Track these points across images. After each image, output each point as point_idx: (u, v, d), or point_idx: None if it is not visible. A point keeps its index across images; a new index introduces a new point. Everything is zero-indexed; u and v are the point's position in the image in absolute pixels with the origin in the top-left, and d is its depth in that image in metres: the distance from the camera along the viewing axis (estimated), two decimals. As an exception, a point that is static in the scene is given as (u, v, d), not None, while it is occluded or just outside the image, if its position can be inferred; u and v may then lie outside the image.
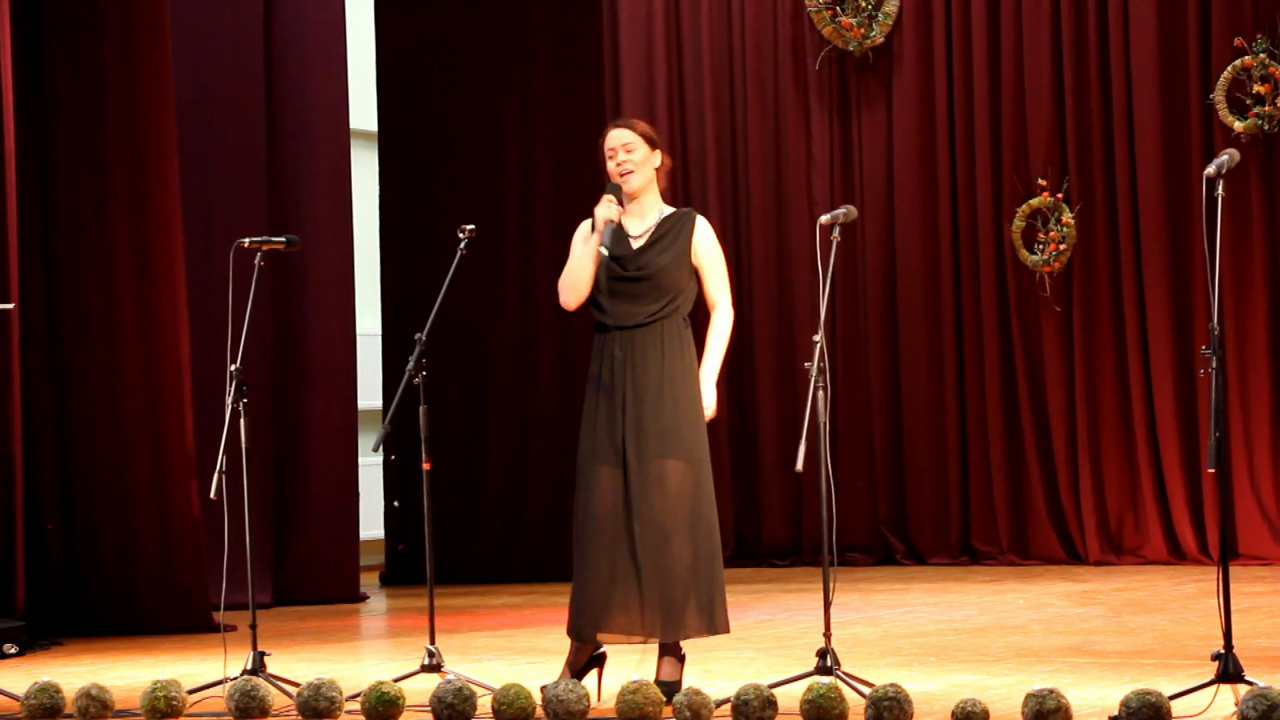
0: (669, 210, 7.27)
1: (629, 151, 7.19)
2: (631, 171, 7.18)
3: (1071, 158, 12.84)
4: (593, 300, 7.19)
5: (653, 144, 7.23)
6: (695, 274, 7.21)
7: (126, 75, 10.45)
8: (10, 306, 9.87)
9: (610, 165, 7.21)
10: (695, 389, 7.14)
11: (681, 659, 7.19)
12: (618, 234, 7.16)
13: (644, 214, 7.25)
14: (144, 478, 10.43)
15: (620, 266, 7.15)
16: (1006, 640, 8.98)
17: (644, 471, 7.04)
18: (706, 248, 7.21)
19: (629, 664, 7.74)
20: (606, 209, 7.14)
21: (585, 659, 7.21)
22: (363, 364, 12.46)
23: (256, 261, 7.82)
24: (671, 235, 7.18)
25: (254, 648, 7.57)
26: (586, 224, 7.21)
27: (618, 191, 7.18)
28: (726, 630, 7.18)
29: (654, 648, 7.22)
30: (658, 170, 7.25)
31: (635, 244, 7.19)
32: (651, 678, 6.99)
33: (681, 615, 7.04)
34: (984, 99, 13.05)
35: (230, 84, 11.63)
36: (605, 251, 7.11)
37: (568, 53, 12.86)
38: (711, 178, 13.69)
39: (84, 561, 10.41)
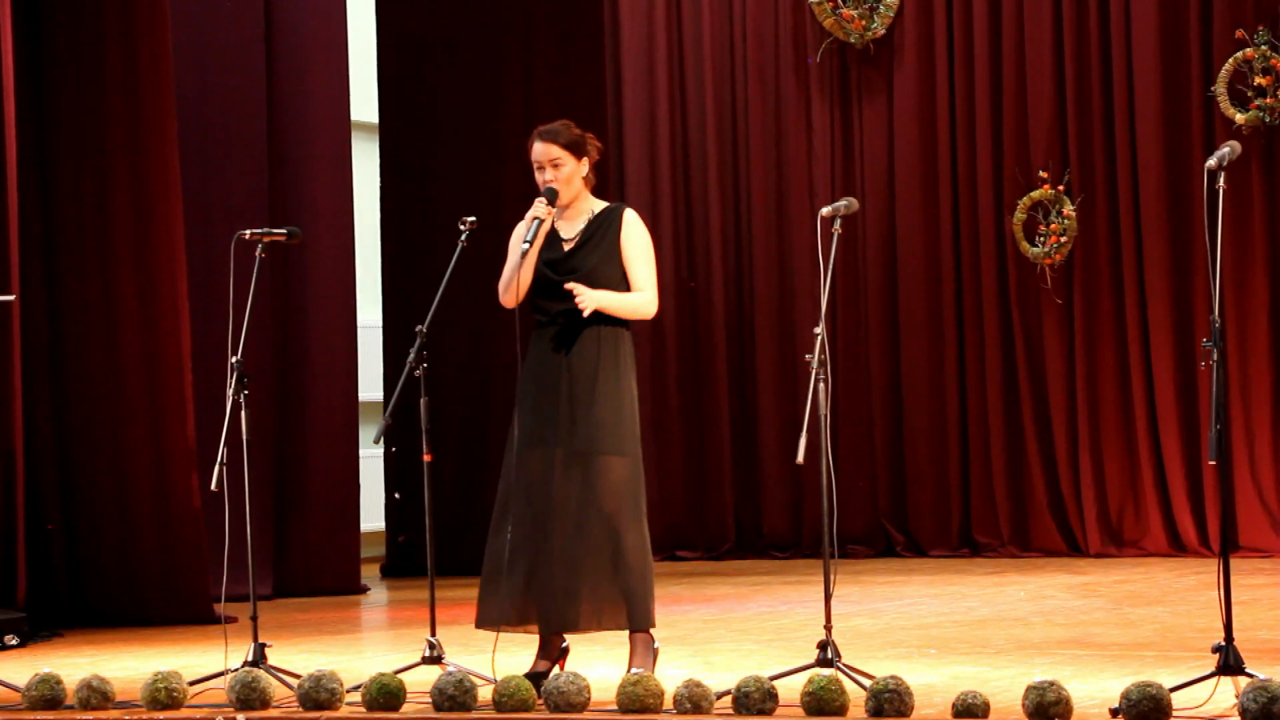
0: (600, 208, 7.29)
1: (556, 167, 7.20)
2: (558, 189, 7.19)
3: (1073, 150, 12.83)
4: (533, 303, 7.22)
5: (579, 152, 7.22)
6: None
7: (127, 67, 10.44)
8: (11, 298, 9.87)
9: (537, 176, 7.22)
10: (629, 387, 7.17)
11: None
12: (551, 238, 7.19)
13: (576, 217, 7.28)
14: (145, 469, 10.43)
15: (553, 271, 7.18)
16: (1007, 632, 8.98)
17: (577, 467, 7.08)
18: (631, 240, 7.20)
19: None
20: (536, 208, 7.16)
21: (554, 656, 7.23)
22: (363, 356, 12.44)
23: (257, 253, 7.82)
24: (600, 234, 7.21)
25: (255, 639, 7.57)
26: (522, 225, 7.22)
27: (554, 195, 7.19)
28: (653, 624, 7.23)
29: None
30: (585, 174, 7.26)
31: (567, 247, 7.23)
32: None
33: (643, 605, 7.10)
34: (985, 91, 13.03)
35: (231, 75, 11.61)
36: (526, 245, 7.12)
37: (569, 45, 12.84)
38: (712, 170, 13.67)
39: (85, 553, 10.41)
